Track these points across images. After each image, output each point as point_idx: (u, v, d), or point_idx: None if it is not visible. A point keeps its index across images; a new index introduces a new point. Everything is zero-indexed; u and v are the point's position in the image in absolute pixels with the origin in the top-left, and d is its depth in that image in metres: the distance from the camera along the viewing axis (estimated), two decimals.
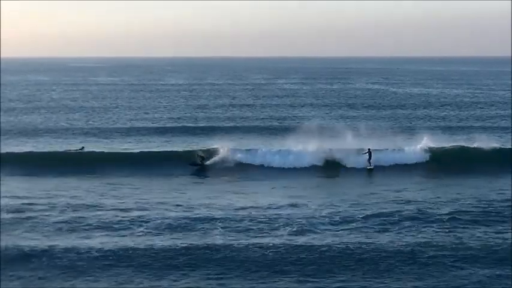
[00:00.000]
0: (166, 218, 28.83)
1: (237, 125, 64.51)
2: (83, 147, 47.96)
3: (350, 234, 26.53)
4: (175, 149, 48.12)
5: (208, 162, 42.65)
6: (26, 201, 32.23)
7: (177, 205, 31.58)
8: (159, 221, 28.33)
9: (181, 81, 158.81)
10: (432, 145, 45.17)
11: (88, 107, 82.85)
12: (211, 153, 43.54)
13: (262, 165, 42.94)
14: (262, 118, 70.49)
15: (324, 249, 24.46)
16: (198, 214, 29.69)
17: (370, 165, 40.99)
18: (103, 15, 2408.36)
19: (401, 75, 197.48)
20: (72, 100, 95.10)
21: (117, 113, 75.79)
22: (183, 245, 25.05)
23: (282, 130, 58.99)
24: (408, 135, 52.83)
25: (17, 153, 45.39)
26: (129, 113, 75.82)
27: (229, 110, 79.69)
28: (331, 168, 42.05)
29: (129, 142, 52.90)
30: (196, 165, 42.31)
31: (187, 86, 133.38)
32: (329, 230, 27.17)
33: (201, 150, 44.26)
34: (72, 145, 49.78)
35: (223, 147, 44.20)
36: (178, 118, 70.13)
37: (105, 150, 47.31)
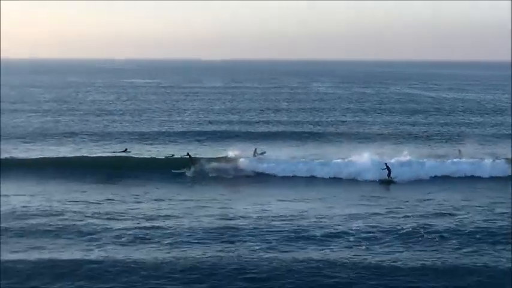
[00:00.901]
0: (196, 228, 28.50)
1: (270, 130, 63.54)
2: (126, 149, 48.40)
3: (386, 247, 26.08)
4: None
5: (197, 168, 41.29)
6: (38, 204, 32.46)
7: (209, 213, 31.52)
8: (187, 231, 27.96)
9: (216, 84, 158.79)
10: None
11: (115, 110, 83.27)
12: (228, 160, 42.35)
13: (283, 176, 41.55)
14: (295, 121, 70.18)
15: (358, 262, 24.13)
16: (227, 223, 29.38)
17: (389, 178, 40.22)
18: (103, 15, 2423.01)
19: (437, 79, 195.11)
20: (97, 102, 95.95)
21: (148, 115, 75.98)
22: (211, 254, 24.80)
23: (308, 137, 58.58)
24: (447, 143, 52.28)
25: (57, 158, 45.53)
26: (161, 115, 75.76)
27: (265, 113, 79.54)
28: (350, 180, 40.83)
29: (166, 145, 52.77)
30: (181, 172, 41.14)
31: (221, 89, 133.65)
32: (366, 242, 26.75)
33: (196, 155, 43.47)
34: (116, 147, 50.26)
35: (239, 155, 43.41)
36: (210, 122, 69.56)
37: (146, 156, 46.90)
